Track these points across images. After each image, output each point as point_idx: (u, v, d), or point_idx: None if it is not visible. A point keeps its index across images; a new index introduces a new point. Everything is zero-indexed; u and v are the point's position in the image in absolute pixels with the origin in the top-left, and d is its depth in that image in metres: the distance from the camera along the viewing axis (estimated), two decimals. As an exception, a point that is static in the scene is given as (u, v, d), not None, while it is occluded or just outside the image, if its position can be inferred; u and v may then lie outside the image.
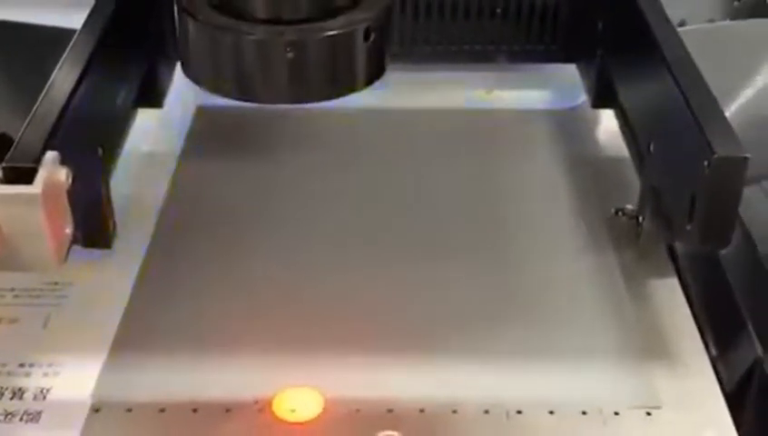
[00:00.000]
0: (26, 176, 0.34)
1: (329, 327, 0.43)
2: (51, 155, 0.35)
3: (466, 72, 0.57)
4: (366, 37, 0.36)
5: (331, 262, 0.46)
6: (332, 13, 0.36)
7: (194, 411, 0.39)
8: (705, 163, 0.36)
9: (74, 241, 0.38)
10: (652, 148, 0.42)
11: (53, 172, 0.35)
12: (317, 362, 0.41)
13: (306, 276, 0.45)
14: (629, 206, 0.48)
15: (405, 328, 0.42)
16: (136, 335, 0.42)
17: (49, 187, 0.35)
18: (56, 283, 0.44)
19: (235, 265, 0.46)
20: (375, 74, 0.37)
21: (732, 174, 0.36)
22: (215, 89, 0.37)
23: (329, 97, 0.36)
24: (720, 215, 0.36)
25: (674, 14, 0.52)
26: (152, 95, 0.50)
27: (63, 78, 0.40)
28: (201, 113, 0.55)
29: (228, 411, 0.39)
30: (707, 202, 0.36)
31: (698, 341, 0.42)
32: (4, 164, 0.35)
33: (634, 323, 0.43)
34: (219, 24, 0.36)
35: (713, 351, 0.45)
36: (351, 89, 0.37)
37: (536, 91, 0.58)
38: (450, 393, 0.39)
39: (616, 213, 0.48)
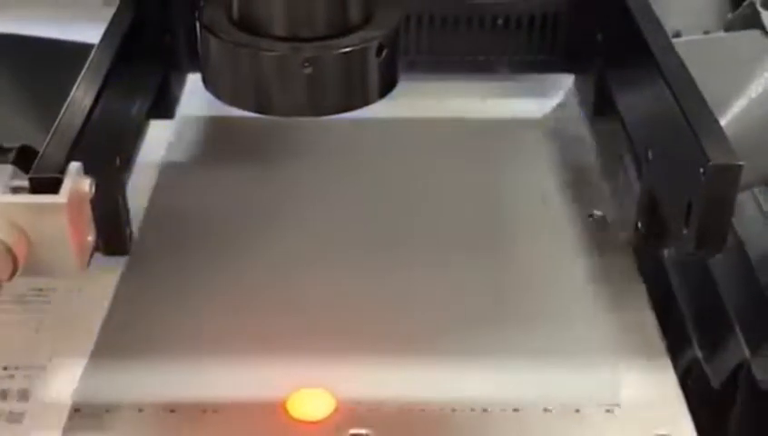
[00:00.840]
0: (52, 186, 0.36)
1: (331, 328, 0.44)
2: (75, 166, 0.37)
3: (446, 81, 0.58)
4: (378, 53, 0.38)
5: (324, 263, 0.48)
6: (347, 30, 0.38)
7: (172, 411, 0.40)
8: (701, 170, 0.37)
9: (95, 248, 0.40)
10: (650, 155, 0.44)
11: (77, 182, 0.36)
12: (326, 364, 0.43)
13: (298, 278, 0.47)
14: (598, 212, 0.50)
15: (392, 329, 0.44)
16: (119, 339, 0.44)
17: (74, 196, 0.36)
18: (41, 289, 0.46)
19: (224, 269, 0.47)
20: (387, 87, 0.39)
21: (726, 181, 0.37)
22: (235, 103, 0.39)
23: (344, 110, 0.38)
24: (715, 221, 0.38)
25: (669, 24, 0.54)
26: (164, 106, 0.52)
27: (83, 92, 0.41)
28: (183, 121, 0.56)
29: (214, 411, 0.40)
30: (703, 207, 0.37)
31: (660, 342, 0.44)
32: (30, 175, 0.37)
33: (599, 324, 0.44)
34: (240, 41, 0.37)
35: (701, 353, 0.47)
36: (365, 102, 0.38)
37: (517, 99, 0.60)
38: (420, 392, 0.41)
39: (589, 217, 0.50)
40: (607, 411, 0.41)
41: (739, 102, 0.45)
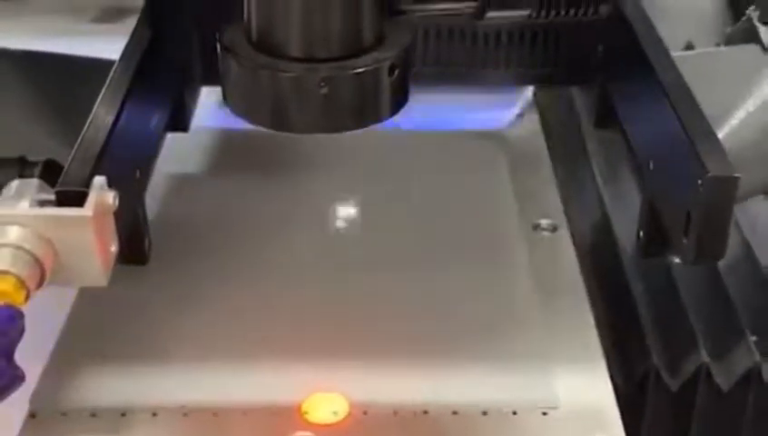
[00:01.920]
0: (77, 199, 0.38)
1: (343, 333, 0.46)
2: (99, 180, 0.38)
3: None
4: (390, 72, 0.40)
5: (333, 270, 0.50)
6: (360, 51, 0.39)
7: (185, 414, 0.42)
8: (699, 181, 0.39)
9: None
10: (651, 166, 0.45)
11: (101, 195, 0.38)
12: (340, 368, 0.44)
13: (309, 285, 0.49)
14: (545, 221, 0.53)
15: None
16: (81, 344, 0.45)
17: (98, 209, 0.38)
18: None
19: (236, 276, 0.49)
20: (399, 104, 0.41)
21: (724, 193, 0.39)
22: (253, 120, 0.41)
23: (358, 127, 0.40)
24: (714, 231, 0.39)
25: (680, 35, 0.55)
26: (179, 119, 0.53)
27: (105, 107, 0.43)
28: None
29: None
30: (701, 218, 0.39)
31: (598, 348, 0.46)
32: (57, 189, 0.38)
33: (539, 330, 0.46)
34: (258, 62, 0.39)
35: (707, 357, 0.48)
36: (378, 119, 0.40)
37: (472, 113, 0.62)
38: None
39: (534, 228, 0.53)
40: (544, 413, 0.43)
41: (737, 114, 0.47)
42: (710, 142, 0.40)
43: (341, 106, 0.39)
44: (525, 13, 0.39)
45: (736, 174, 0.39)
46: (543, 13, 0.38)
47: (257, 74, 0.39)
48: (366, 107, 0.40)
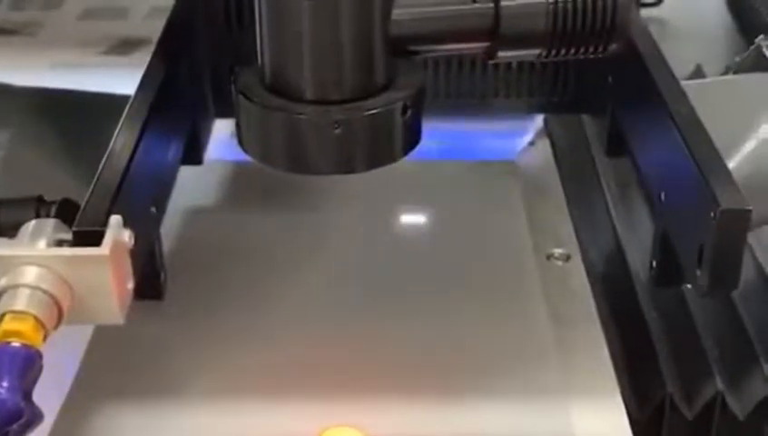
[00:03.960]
0: (94, 239, 0.38)
1: (358, 366, 0.46)
2: (116, 219, 0.39)
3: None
4: (403, 113, 0.40)
5: (348, 304, 0.50)
6: (373, 92, 0.40)
7: None
8: (712, 214, 0.39)
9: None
10: (663, 197, 0.46)
11: (118, 234, 0.38)
12: (355, 401, 0.45)
13: (324, 319, 0.49)
14: (558, 250, 0.53)
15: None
16: (98, 380, 0.45)
17: (115, 248, 0.38)
18: None
19: (251, 309, 0.49)
20: (411, 144, 0.41)
21: (737, 225, 0.39)
22: (268, 162, 0.41)
23: (372, 167, 0.40)
24: (727, 263, 0.39)
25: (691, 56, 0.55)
26: (193, 153, 0.54)
27: (121, 145, 0.43)
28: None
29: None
30: (714, 251, 0.39)
31: (612, 379, 0.46)
32: (74, 229, 0.39)
33: (553, 361, 0.46)
34: (273, 105, 0.40)
35: (722, 385, 0.48)
36: (391, 159, 0.41)
37: (481, 140, 0.63)
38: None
39: (548, 258, 0.53)
40: None
41: (748, 143, 0.47)
42: (721, 174, 0.41)
43: (355, 147, 0.40)
44: (535, 52, 0.39)
45: (748, 207, 0.39)
46: (553, 53, 0.39)
47: (271, 117, 0.40)
48: (379, 148, 0.40)
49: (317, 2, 0.38)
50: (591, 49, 0.39)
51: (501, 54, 0.39)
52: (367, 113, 0.39)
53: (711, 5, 0.83)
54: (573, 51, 0.39)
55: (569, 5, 0.38)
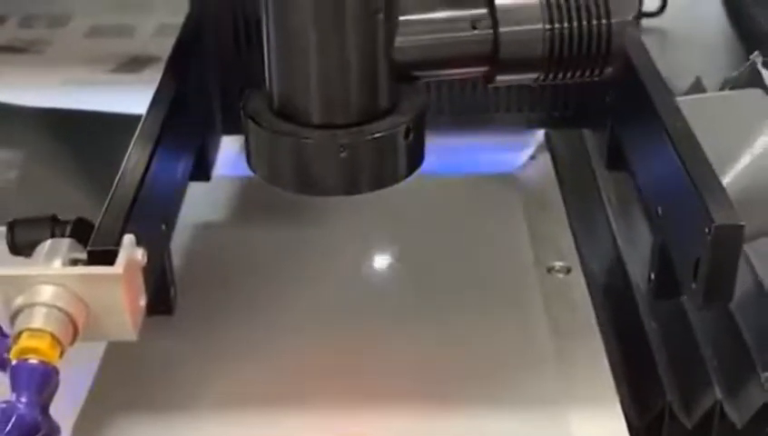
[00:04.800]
0: (108, 258, 0.39)
1: (364, 379, 0.47)
2: (129, 238, 0.40)
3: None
4: (406, 136, 0.41)
5: (354, 318, 0.51)
6: (377, 116, 0.41)
7: None
8: (706, 230, 0.40)
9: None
10: (660, 212, 0.47)
11: (131, 253, 0.40)
12: (363, 414, 0.46)
13: (329, 333, 0.50)
14: (559, 263, 0.54)
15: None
16: (112, 395, 0.46)
17: (128, 267, 0.39)
18: None
19: (256, 323, 0.50)
20: (415, 165, 0.43)
21: (730, 241, 0.40)
22: (276, 184, 0.42)
23: (376, 188, 0.42)
24: (721, 277, 0.41)
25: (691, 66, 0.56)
26: (202, 169, 0.55)
27: (133, 164, 0.44)
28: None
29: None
30: (709, 265, 0.40)
31: (612, 390, 0.47)
32: (88, 248, 0.40)
33: (553, 373, 0.47)
34: (280, 129, 0.41)
35: (721, 395, 0.49)
36: (394, 180, 0.42)
37: (482, 154, 0.63)
38: None
39: (549, 270, 0.54)
40: None
41: (743, 158, 0.48)
42: (716, 190, 0.42)
43: (360, 169, 0.41)
44: (532, 76, 0.40)
45: (741, 223, 0.40)
46: (550, 76, 0.40)
47: (279, 142, 0.41)
48: (383, 169, 0.42)
49: (323, 32, 0.39)
50: (587, 73, 0.40)
51: (500, 77, 0.40)
52: (371, 136, 0.41)
53: (711, 15, 0.84)
54: (569, 74, 0.40)
55: (565, 32, 0.39)
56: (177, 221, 0.50)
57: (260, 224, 0.58)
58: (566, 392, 0.46)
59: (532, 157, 0.63)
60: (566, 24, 0.39)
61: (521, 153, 0.63)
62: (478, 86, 0.58)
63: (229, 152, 0.59)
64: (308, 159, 0.41)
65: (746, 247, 0.52)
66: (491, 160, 0.63)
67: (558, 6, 0.39)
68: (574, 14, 0.39)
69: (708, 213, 0.40)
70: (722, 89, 0.55)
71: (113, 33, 0.77)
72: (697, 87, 0.65)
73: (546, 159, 0.63)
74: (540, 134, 0.65)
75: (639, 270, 0.55)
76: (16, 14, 0.79)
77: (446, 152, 0.61)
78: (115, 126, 0.51)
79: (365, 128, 0.41)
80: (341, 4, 0.39)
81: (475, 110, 0.59)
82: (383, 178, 0.42)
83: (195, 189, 0.54)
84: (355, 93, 0.41)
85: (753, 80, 0.52)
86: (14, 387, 0.37)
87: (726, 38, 0.81)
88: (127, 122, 0.49)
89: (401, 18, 0.41)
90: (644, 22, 0.73)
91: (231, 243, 0.57)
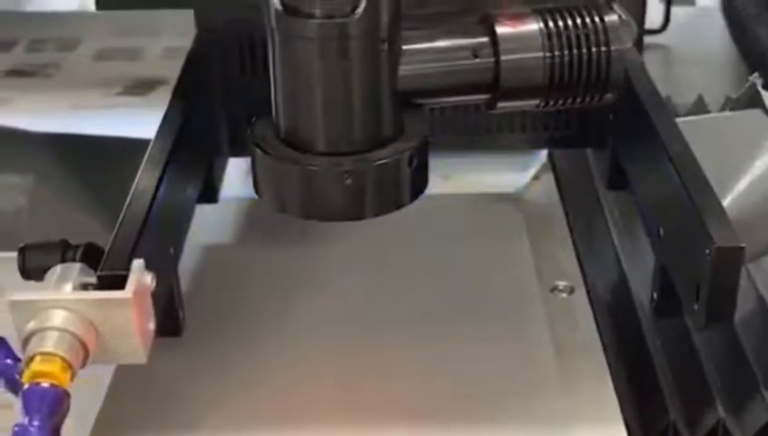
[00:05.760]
0: (118, 282, 0.40)
1: (371, 398, 0.48)
2: (138, 263, 0.41)
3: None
4: (410, 163, 0.42)
5: (344, 337, 0.51)
6: (381, 143, 0.42)
7: None
8: (707, 251, 0.41)
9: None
10: (661, 232, 0.47)
11: (141, 277, 0.40)
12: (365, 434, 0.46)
13: (337, 352, 0.51)
14: (562, 283, 0.54)
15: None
16: (121, 417, 0.47)
17: (138, 291, 0.40)
18: None
19: (263, 345, 0.51)
20: (418, 191, 0.44)
21: (730, 262, 0.40)
22: (282, 210, 0.43)
23: (381, 213, 0.43)
24: (722, 298, 0.41)
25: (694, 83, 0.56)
26: (209, 192, 0.56)
27: (142, 189, 0.45)
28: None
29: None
30: (709, 286, 0.41)
31: (616, 410, 0.47)
32: (99, 273, 0.41)
33: (557, 393, 0.48)
34: (287, 157, 0.42)
35: (724, 413, 0.49)
36: (399, 205, 0.43)
37: (486, 174, 0.64)
38: None
39: (552, 290, 0.54)
40: None
41: (743, 179, 0.49)
42: (716, 212, 0.42)
43: (365, 196, 0.42)
44: (533, 103, 0.41)
45: (742, 244, 0.40)
46: (551, 103, 0.41)
47: (285, 169, 0.42)
48: (387, 195, 0.43)
49: (328, 62, 0.40)
50: (587, 99, 0.41)
51: (501, 104, 0.41)
52: (375, 163, 0.41)
53: (714, 32, 0.84)
54: (570, 101, 0.41)
55: (565, 60, 0.40)
56: (184, 243, 0.51)
57: (266, 245, 0.58)
58: (570, 412, 0.47)
59: (535, 177, 0.64)
60: (566, 52, 0.40)
61: (524, 172, 0.64)
62: (481, 107, 0.59)
63: (236, 173, 0.60)
64: (313, 186, 0.42)
65: (749, 265, 0.52)
66: (494, 180, 0.63)
67: (558, 35, 0.40)
68: (574, 42, 0.40)
69: (708, 235, 0.41)
70: (722, 110, 0.55)
71: (121, 56, 0.77)
72: (699, 104, 0.66)
73: (549, 179, 0.64)
74: (543, 154, 0.65)
75: (643, 289, 0.56)
76: (25, 39, 0.80)
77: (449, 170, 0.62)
78: (124, 150, 0.52)
79: (369, 155, 0.41)
80: (346, 36, 0.40)
81: (478, 130, 0.59)
82: (387, 204, 0.42)
83: (203, 210, 0.55)
84: (359, 121, 0.41)
85: (753, 100, 0.52)
86: (27, 410, 0.37)
87: (728, 55, 0.82)
88: (136, 146, 0.50)
89: (404, 48, 0.42)
90: (647, 39, 0.74)
91: (238, 264, 0.57)
